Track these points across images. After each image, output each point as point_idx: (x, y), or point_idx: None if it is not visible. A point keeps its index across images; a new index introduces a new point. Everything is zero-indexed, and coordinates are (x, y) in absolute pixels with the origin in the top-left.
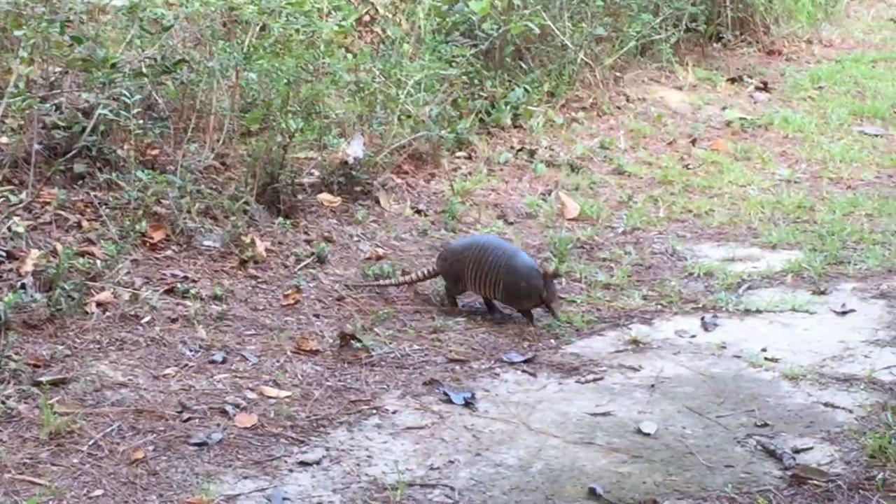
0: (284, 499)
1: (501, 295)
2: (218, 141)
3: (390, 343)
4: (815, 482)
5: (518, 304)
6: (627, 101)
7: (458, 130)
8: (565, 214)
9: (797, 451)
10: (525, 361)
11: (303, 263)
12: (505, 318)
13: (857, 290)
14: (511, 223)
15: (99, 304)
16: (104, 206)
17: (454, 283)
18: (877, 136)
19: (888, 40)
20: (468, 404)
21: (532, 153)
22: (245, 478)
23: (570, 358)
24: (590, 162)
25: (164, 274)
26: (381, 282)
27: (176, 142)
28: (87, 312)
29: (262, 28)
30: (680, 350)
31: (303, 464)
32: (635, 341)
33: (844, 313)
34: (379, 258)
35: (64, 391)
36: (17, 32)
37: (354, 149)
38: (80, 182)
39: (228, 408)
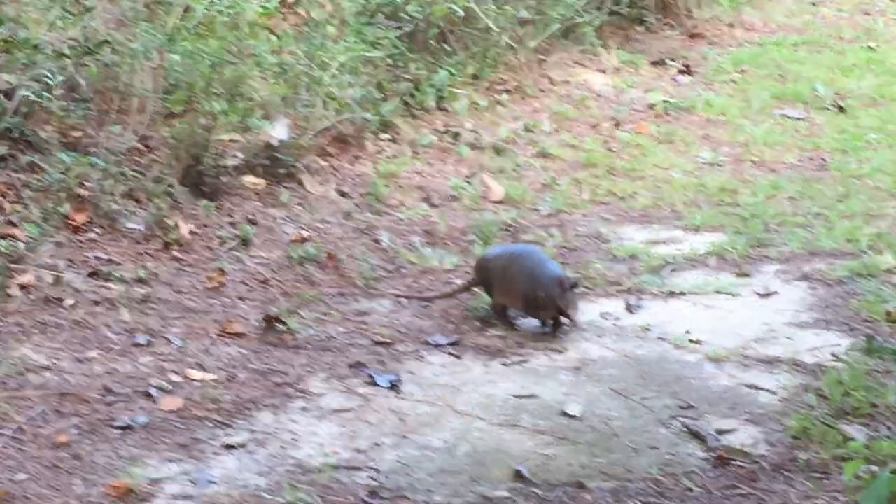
0: (210, 482)
1: (521, 305)
2: (141, 123)
3: (316, 326)
4: (739, 463)
5: (536, 315)
6: (551, 83)
7: (383, 113)
8: (490, 197)
9: (721, 433)
10: (450, 344)
11: (227, 246)
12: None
13: (780, 272)
14: (435, 206)
15: (22, 287)
16: (26, 189)
17: (486, 290)
18: (799, 119)
19: (809, 24)
20: (394, 387)
21: (456, 136)
22: (170, 461)
23: (495, 340)
24: (514, 144)
25: (88, 256)
26: (424, 294)
27: (99, 124)
28: (9, 295)
29: (186, 9)
30: (604, 332)
31: (228, 447)
32: (560, 324)
33: (767, 295)
34: (304, 241)
35: None
36: None
37: (279, 131)
38: (2, 164)
39: (153, 391)
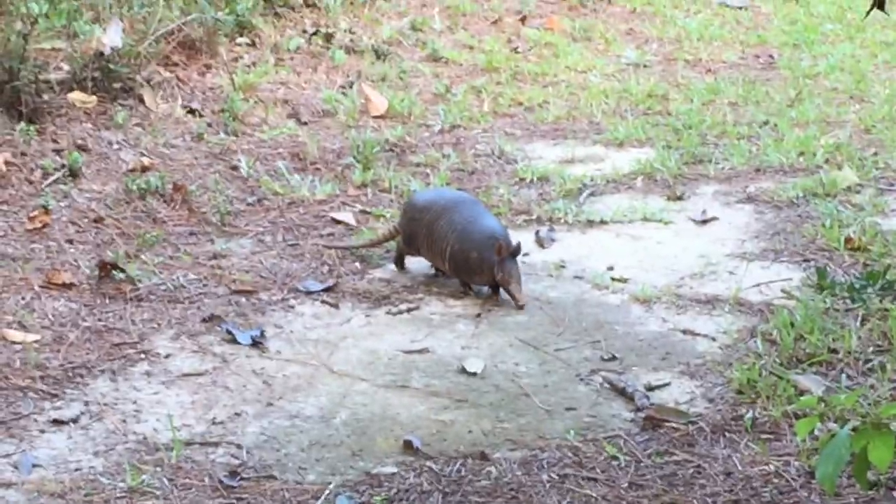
0: (35, 465)
1: (449, 265)
2: None
3: (161, 272)
4: (673, 424)
5: (467, 278)
6: None
7: (239, 12)
8: (370, 111)
9: (651, 389)
10: (325, 290)
11: (52, 178)
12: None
13: (720, 193)
14: (304, 123)
15: None
16: None
17: (407, 244)
18: (741, 8)
19: None
20: (256, 344)
21: (329, 37)
22: None
23: (378, 285)
24: (399, 47)
25: None
26: (344, 244)
27: None
28: None
29: None
30: None
31: (57, 422)
32: None
33: (705, 222)
34: (144, 169)
35: None
36: None
37: (111, 37)
38: None
39: None
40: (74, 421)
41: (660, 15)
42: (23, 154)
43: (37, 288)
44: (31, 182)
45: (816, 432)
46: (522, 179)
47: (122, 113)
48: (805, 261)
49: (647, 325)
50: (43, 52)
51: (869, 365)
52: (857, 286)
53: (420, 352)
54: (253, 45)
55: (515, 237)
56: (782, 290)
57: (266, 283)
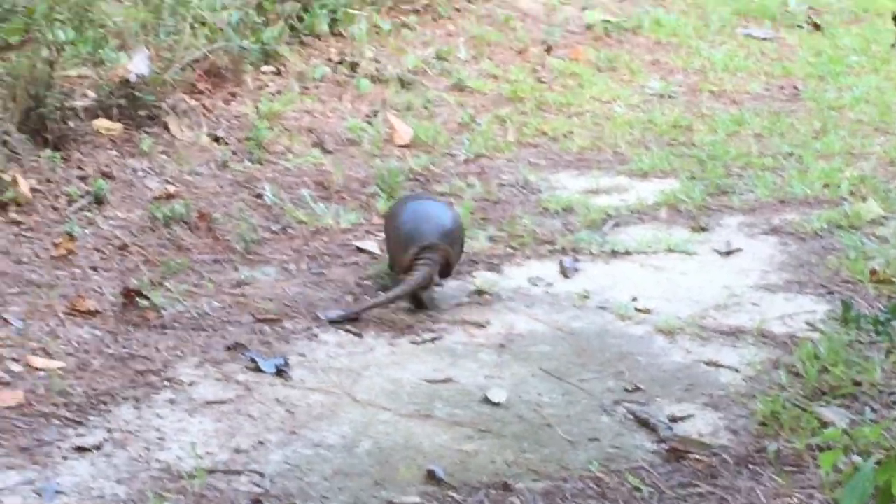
0: (58, 492)
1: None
2: None
3: (185, 300)
4: (696, 456)
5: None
6: (468, 1)
7: (265, 40)
8: (395, 140)
9: (674, 420)
10: (349, 320)
11: (77, 205)
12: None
13: (744, 224)
14: (329, 151)
15: None
16: None
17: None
18: (765, 39)
19: None
20: (280, 373)
21: (354, 66)
22: (9, 468)
23: (402, 314)
24: (424, 76)
25: None
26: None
27: None
28: None
29: None
30: (534, 301)
31: (80, 449)
32: (480, 292)
33: (729, 253)
34: (170, 197)
35: None
36: None
37: (137, 64)
38: None
39: None
40: (98, 448)
41: (685, 46)
42: (48, 181)
43: (61, 315)
44: (56, 209)
45: (840, 465)
46: (546, 209)
47: (148, 140)
48: (829, 293)
49: (670, 356)
50: (69, 80)
51: (893, 398)
52: (881, 319)
53: (443, 381)
54: (278, 73)
55: (539, 267)
56: (806, 322)
57: (290, 312)
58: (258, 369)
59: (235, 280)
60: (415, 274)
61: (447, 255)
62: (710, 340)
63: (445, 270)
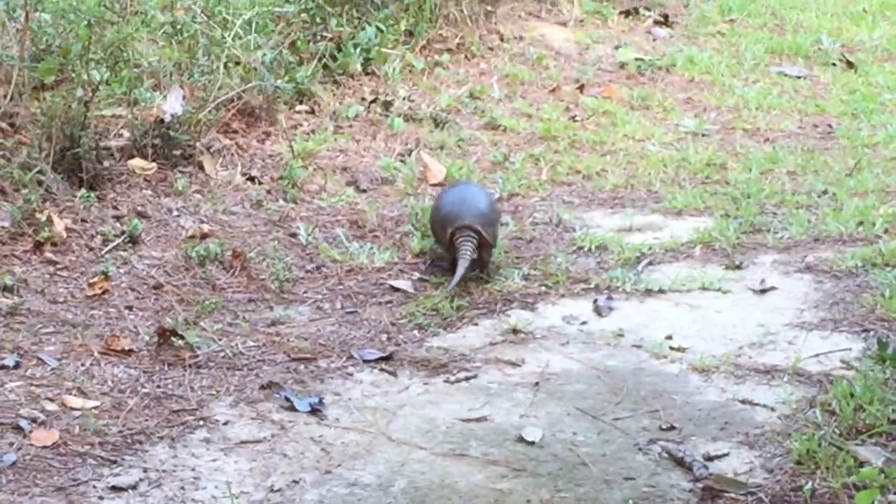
0: None
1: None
2: (5, 97)
3: (219, 339)
4: (732, 495)
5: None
6: (501, 40)
7: (298, 79)
8: (429, 179)
9: (710, 459)
10: (383, 358)
11: (111, 245)
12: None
13: (779, 263)
14: (364, 190)
15: None
16: None
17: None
18: (799, 77)
19: None
20: (315, 411)
21: (388, 105)
22: None
23: (436, 353)
24: (457, 115)
25: None
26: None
27: None
28: None
29: None
30: (569, 340)
31: (115, 489)
32: (515, 330)
33: (764, 291)
34: (204, 237)
35: None
36: None
37: (172, 104)
38: None
39: (23, 423)
40: (133, 488)
41: (718, 84)
42: (83, 220)
43: (96, 354)
44: (91, 248)
45: None
46: (580, 248)
47: (182, 180)
48: (864, 331)
49: (705, 394)
50: (104, 119)
51: None
52: None
53: (478, 420)
54: (312, 112)
55: (574, 305)
56: (841, 361)
57: (324, 351)
58: (293, 408)
59: (270, 319)
60: (461, 251)
61: (480, 234)
62: (745, 379)
63: (485, 251)
